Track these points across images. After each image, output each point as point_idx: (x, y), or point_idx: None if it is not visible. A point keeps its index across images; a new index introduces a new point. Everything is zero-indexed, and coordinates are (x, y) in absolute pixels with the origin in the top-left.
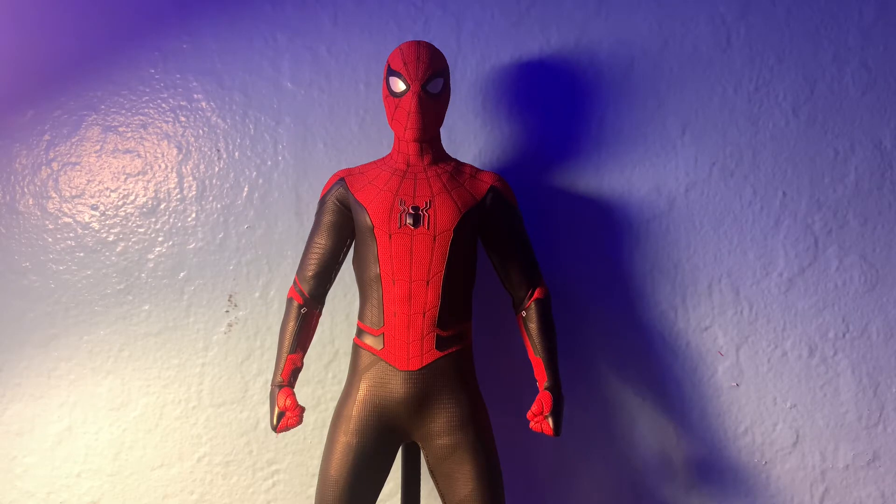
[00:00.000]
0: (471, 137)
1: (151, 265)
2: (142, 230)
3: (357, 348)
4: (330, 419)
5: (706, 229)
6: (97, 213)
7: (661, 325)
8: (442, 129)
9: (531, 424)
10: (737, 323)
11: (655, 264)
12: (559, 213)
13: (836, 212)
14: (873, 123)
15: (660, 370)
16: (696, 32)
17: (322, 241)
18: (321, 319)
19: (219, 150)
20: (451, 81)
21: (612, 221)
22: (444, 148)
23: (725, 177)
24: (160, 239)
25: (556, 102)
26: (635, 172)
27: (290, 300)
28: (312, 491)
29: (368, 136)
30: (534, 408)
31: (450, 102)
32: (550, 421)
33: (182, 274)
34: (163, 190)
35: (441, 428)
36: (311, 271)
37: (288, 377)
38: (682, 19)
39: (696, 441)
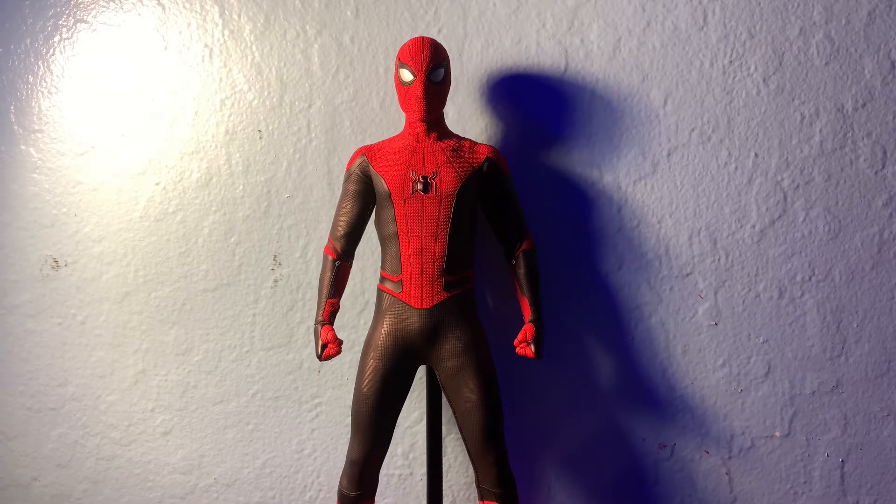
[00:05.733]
0: (477, 113)
1: (207, 231)
2: (197, 201)
3: (381, 292)
4: None
5: (686, 188)
6: (159, 188)
7: (647, 272)
8: (452, 107)
9: (517, 350)
10: (715, 269)
11: (642, 219)
12: (556, 176)
13: (802, 170)
14: (836, 90)
15: (647, 312)
16: (676, 13)
17: (349, 206)
18: (353, 274)
19: (260, 131)
20: (460, 64)
21: (604, 183)
22: (454, 123)
23: (703, 141)
24: (213, 208)
25: (552, 80)
26: (623, 139)
27: (325, 256)
28: (349, 419)
29: (388, 115)
30: (519, 336)
31: (459, 83)
32: (532, 347)
33: (233, 238)
34: (214, 166)
35: (449, 352)
36: (341, 231)
37: (328, 316)
38: (662, 1)
39: (679, 373)
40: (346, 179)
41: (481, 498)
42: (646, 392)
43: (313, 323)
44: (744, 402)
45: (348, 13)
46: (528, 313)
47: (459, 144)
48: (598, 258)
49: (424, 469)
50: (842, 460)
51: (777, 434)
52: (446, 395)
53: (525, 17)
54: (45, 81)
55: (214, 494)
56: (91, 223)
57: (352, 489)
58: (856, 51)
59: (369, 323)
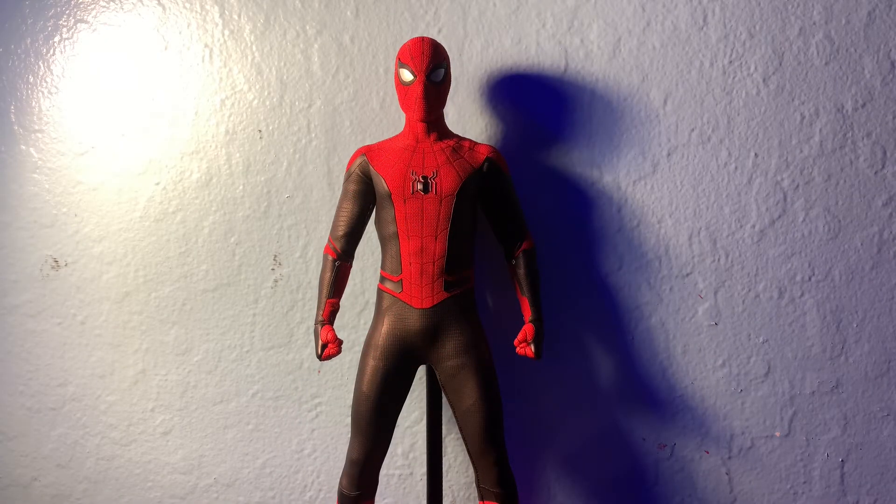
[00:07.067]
0: (477, 113)
1: (207, 231)
2: (198, 201)
3: (381, 292)
4: None
5: (686, 188)
6: (159, 188)
7: (647, 272)
8: (452, 107)
9: (517, 349)
10: (714, 269)
11: (642, 219)
12: (556, 176)
13: (802, 170)
14: (836, 90)
15: (647, 312)
16: (676, 13)
17: (349, 206)
18: (353, 274)
19: (260, 131)
20: (460, 64)
21: (603, 183)
22: (454, 123)
23: (703, 141)
24: (213, 208)
25: (552, 80)
26: (623, 139)
27: (325, 256)
28: (349, 419)
29: (388, 115)
30: (519, 336)
31: (459, 83)
32: (532, 347)
33: (233, 238)
34: (214, 166)
35: (449, 352)
36: (341, 231)
37: (328, 316)
38: (662, 1)
39: (679, 373)
40: (346, 179)
41: (481, 498)
42: (646, 392)
43: (313, 323)
44: (744, 402)
45: (348, 13)
46: (527, 313)
47: (459, 144)
48: (598, 258)
49: (424, 469)
50: (842, 460)
51: (777, 434)
52: (446, 394)
53: (525, 17)
54: (45, 81)
55: (214, 494)
56: (91, 223)
57: (352, 489)
58: (856, 51)
59: (369, 323)
